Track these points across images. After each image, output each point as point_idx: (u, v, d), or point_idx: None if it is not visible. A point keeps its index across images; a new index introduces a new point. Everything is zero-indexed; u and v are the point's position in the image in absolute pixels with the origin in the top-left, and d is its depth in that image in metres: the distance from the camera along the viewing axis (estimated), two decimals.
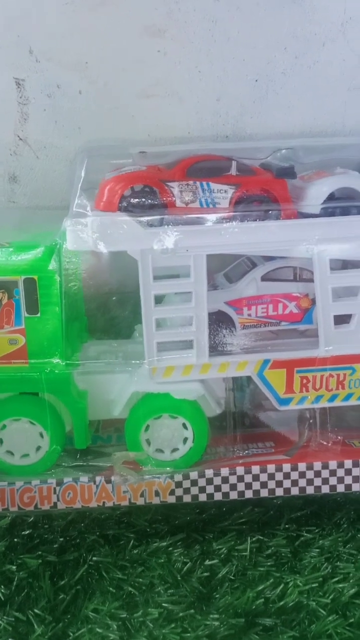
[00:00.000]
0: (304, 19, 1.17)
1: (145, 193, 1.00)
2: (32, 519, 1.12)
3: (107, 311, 1.27)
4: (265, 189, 1.02)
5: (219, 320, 1.06)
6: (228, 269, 1.13)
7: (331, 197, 1.03)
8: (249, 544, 1.08)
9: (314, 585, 1.03)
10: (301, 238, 0.99)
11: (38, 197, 1.28)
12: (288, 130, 1.26)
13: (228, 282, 1.10)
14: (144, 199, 1.00)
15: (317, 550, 1.08)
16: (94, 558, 1.08)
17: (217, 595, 1.02)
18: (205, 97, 1.23)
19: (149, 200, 1.00)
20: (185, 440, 1.06)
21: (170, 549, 1.08)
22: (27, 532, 1.11)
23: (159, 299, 1.07)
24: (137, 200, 1.00)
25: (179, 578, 1.04)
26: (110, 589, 1.04)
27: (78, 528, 1.12)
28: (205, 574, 1.05)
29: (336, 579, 1.04)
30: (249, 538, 1.09)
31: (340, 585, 1.02)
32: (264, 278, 1.07)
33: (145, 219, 0.98)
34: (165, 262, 0.99)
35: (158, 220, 0.99)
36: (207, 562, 1.06)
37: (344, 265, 1.08)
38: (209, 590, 1.03)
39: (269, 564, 1.06)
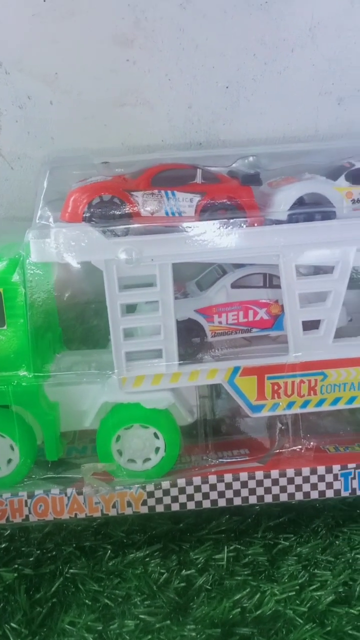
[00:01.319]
0: (272, 25, 1.17)
1: (110, 203, 1.00)
2: (8, 532, 1.12)
3: (83, 321, 1.27)
4: (231, 197, 1.02)
5: (189, 328, 1.06)
6: (200, 277, 1.13)
7: (300, 203, 1.03)
8: (225, 553, 1.08)
9: (291, 593, 1.02)
10: (266, 245, 0.99)
11: (14, 207, 1.28)
12: (261, 136, 1.26)
13: (199, 290, 1.10)
14: (108, 210, 1.00)
15: (295, 558, 1.07)
16: (71, 570, 1.07)
17: (193, 606, 1.02)
18: (176, 104, 1.23)
19: (114, 211, 1.00)
20: (157, 449, 1.06)
21: (147, 559, 1.08)
22: (3, 545, 1.10)
23: (132, 308, 1.07)
24: (101, 210, 1.00)
25: (156, 589, 1.04)
26: (87, 601, 1.03)
27: (55, 540, 1.11)
28: (182, 584, 1.04)
29: (313, 586, 1.03)
30: (226, 547, 1.08)
31: (318, 593, 1.02)
32: (234, 285, 1.07)
33: (109, 229, 0.98)
34: (130, 271, 0.98)
35: (123, 230, 0.99)
36: (184, 572, 1.06)
37: (316, 270, 1.08)
38: (185, 600, 1.03)
39: (246, 572, 1.05)
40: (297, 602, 1.01)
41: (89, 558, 1.08)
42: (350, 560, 1.06)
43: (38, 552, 1.10)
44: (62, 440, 1.07)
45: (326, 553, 1.07)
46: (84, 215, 0.99)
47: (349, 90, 1.23)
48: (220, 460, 1.07)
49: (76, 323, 1.27)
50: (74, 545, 1.10)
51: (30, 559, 1.08)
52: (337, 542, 1.09)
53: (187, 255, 0.99)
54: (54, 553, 1.09)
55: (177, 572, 1.06)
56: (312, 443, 1.07)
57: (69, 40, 1.17)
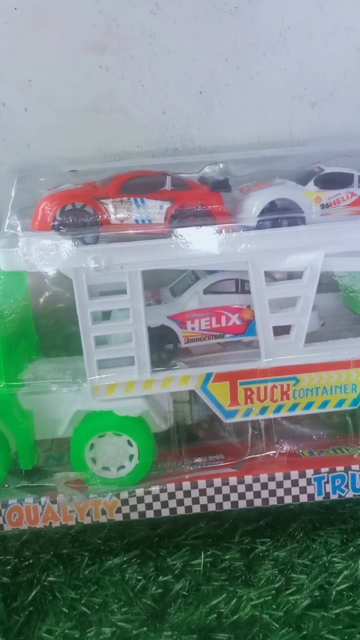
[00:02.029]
0: (243, 30, 1.17)
1: (79, 211, 1.00)
2: None
3: (62, 327, 1.27)
4: (200, 203, 1.02)
5: (162, 335, 1.06)
6: (173, 283, 1.13)
7: (270, 209, 1.04)
8: (202, 558, 1.08)
9: (267, 598, 1.02)
10: (235, 251, 0.99)
11: None
12: (236, 141, 1.26)
13: (172, 297, 1.10)
14: (77, 218, 1.00)
15: (271, 562, 1.07)
16: (48, 578, 1.07)
17: (170, 612, 1.02)
18: (151, 110, 1.23)
19: (83, 219, 1.00)
20: (131, 457, 1.06)
21: (124, 566, 1.08)
22: None
23: (106, 314, 1.07)
24: (70, 218, 1.00)
25: (132, 596, 1.04)
26: (64, 609, 1.03)
27: (32, 548, 1.11)
28: (159, 590, 1.04)
29: (290, 590, 1.03)
30: (203, 552, 1.09)
31: (294, 597, 1.02)
32: (206, 291, 1.07)
33: (78, 237, 0.98)
34: (100, 279, 0.98)
35: (92, 238, 0.99)
36: (161, 579, 1.06)
37: (291, 275, 1.08)
38: (162, 607, 1.03)
39: (222, 578, 1.06)
40: (274, 606, 1.01)
41: (67, 566, 1.09)
42: (327, 564, 1.06)
43: (15, 560, 1.10)
44: (36, 449, 1.07)
45: (303, 557, 1.08)
46: (53, 223, 0.99)
47: (322, 93, 1.23)
48: (194, 466, 1.07)
49: (55, 329, 1.27)
50: (52, 552, 1.10)
51: (7, 567, 1.08)
52: (313, 545, 1.09)
53: (156, 263, 1.00)
54: (31, 561, 1.09)
55: (154, 578, 1.06)
56: (285, 448, 1.07)
57: (41, 47, 1.17)
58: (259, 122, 1.25)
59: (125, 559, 1.09)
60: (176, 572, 1.07)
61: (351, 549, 1.08)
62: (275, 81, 1.22)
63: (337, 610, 1.00)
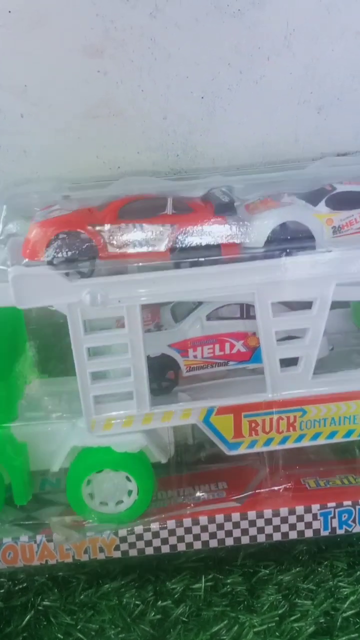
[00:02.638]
0: (246, 33, 1.13)
1: (73, 240, 0.93)
2: None
3: (54, 344, 1.23)
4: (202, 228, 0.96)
5: (163, 364, 1.01)
6: (174, 304, 1.08)
7: (280, 229, 0.97)
8: (203, 582, 1.04)
9: (270, 624, 0.99)
10: (240, 284, 0.94)
11: None
12: (240, 147, 1.23)
13: (173, 320, 1.05)
14: (71, 246, 0.93)
15: (275, 586, 1.04)
16: (43, 602, 1.04)
17: (170, 639, 0.99)
18: (151, 116, 1.20)
19: (78, 247, 0.93)
20: (130, 492, 1.02)
21: (122, 590, 1.05)
22: None
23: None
24: (64, 247, 0.93)
25: (130, 621, 1.01)
26: (59, 635, 1.00)
27: (27, 571, 1.08)
28: (158, 616, 1.01)
29: (294, 617, 1.00)
30: (203, 576, 1.05)
31: (298, 624, 0.99)
32: (210, 317, 1.02)
33: (73, 268, 0.93)
34: (96, 314, 0.93)
35: (88, 269, 0.93)
36: (160, 603, 1.03)
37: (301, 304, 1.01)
38: (161, 633, 0.99)
39: (224, 603, 1.02)
40: (277, 633, 0.98)
41: (62, 589, 1.05)
42: (333, 589, 1.03)
43: (9, 583, 1.06)
44: (31, 482, 1.03)
45: (308, 581, 1.04)
46: (46, 252, 0.93)
47: (328, 98, 1.20)
48: (195, 499, 1.03)
49: (52, 340, 1.24)
50: (47, 575, 1.07)
51: (1, 591, 1.05)
52: (319, 569, 1.06)
53: (156, 297, 0.94)
54: (25, 584, 1.06)
55: (152, 603, 1.03)
56: (290, 482, 1.03)
57: (37, 51, 1.14)
58: (263, 128, 1.22)
59: (123, 582, 1.05)
60: (176, 596, 1.04)
61: (358, 573, 1.04)
62: (280, 85, 1.18)
63: (343, 638, 0.97)
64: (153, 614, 1.01)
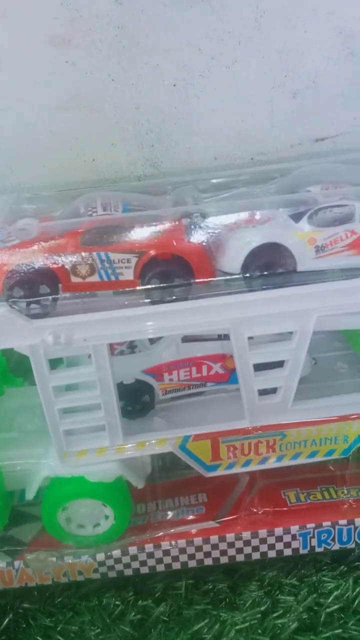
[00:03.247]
0: (215, 17, 1.11)
1: (33, 272, 0.87)
2: None
3: None
4: (175, 255, 0.89)
5: (138, 389, 0.99)
6: None
7: (255, 254, 0.91)
8: (184, 580, 1.03)
9: (253, 622, 0.97)
10: (215, 320, 0.88)
11: None
12: (216, 135, 1.21)
13: (149, 342, 1.01)
14: (31, 278, 0.87)
15: (257, 583, 1.02)
16: (22, 605, 1.03)
17: (150, 639, 0.97)
18: (123, 106, 1.18)
19: (38, 279, 0.87)
20: (106, 517, 0.99)
21: (102, 590, 1.03)
22: None
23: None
24: (23, 286, 0.87)
25: (110, 622, 0.99)
26: (38, 637, 0.99)
27: None
28: (138, 616, 1.00)
29: (277, 613, 0.98)
30: (184, 574, 1.03)
31: (281, 621, 0.97)
32: (185, 339, 0.98)
33: (34, 303, 0.87)
34: (60, 353, 0.89)
35: (51, 305, 0.88)
36: (140, 603, 1.01)
37: None
38: (141, 633, 0.98)
39: (205, 601, 1.01)
40: (259, 631, 0.96)
41: (41, 591, 1.04)
42: (316, 584, 1.01)
43: None
44: (9, 505, 1.01)
45: (291, 576, 1.03)
46: (4, 287, 0.87)
47: (304, 82, 1.17)
48: (174, 515, 1.02)
49: None
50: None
51: None
52: (302, 563, 1.04)
53: (123, 335, 0.90)
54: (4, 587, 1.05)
55: (133, 602, 1.01)
56: (270, 506, 1.01)
57: (1, 44, 1.11)
58: (238, 114, 1.19)
59: (102, 582, 1.04)
60: (156, 595, 1.02)
61: (342, 567, 1.02)
62: (253, 70, 1.16)
63: (328, 634, 0.96)
64: (133, 613, 1.00)
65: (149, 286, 0.89)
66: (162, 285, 0.89)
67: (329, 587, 1.00)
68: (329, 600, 0.99)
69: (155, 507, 1.03)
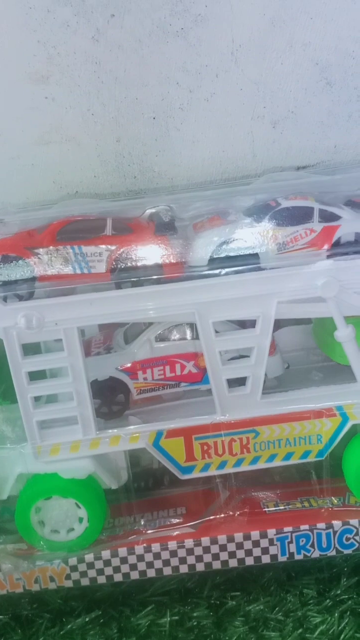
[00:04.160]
0: (192, 51, 1.12)
1: (9, 263, 0.94)
2: None
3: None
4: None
5: (112, 388, 1.00)
6: (128, 327, 1.07)
7: (220, 249, 0.97)
8: (169, 617, 1.03)
9: None
10: (180, 303, 0.93)
11: None
12: (198, 166, 1.22)
13: (124, 343, 1.04)
14: (8, 270, 0.94)
15: (242, 618, 1.02)
16: None
17: None
18: (104, 139, 1.19)
19: (15, 271, 0.94)
20: (80, 519, 1.00)
21: (87, 627, 1.03)
22: None
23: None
24: (0, 271, 0.94)
25: None
26: None
27: None
28: None
29: None
30: (169, 610, 1.03)
31: None
32: (159, 338, 1.01)
33: (11, 292, 0.93)
34: (33, 337, 0.93)
35: (27, 292, 0.93)
36: None
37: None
38: None
39: (190, 638, 1.01)
40: None
41: (26, 629, 1.04)
42: (301, 619, 1.01)
43: None
44: None
45: (276, 611, 1.02)
46: None
47: (282, 112, 1.18)
48: (150, 525, 1.02)
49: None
50: (10, 615, 1.06)
51: None
52: (288, 597, 1.04)
53: (93, 318, 0.94)
54: None
55: None
56: (247, 506, 1.01)
57: None
58: (219, 145, 1.21)
59: (87, 619, 1.04)
60: (141, 632, 1.02)
61: (327, 601, 1.02)
62: (232, 102, 1.17)
63: None
64: None
65: (120, 280, 0.95)
66: (132, 279, 0.95)
67: (315, 622, 1.00)
68: (315, 635, 0.99)
69: (132, 520, 1.04)
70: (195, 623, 1.02)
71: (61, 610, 1.06)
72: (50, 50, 1.11)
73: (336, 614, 1.00)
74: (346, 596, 1.02)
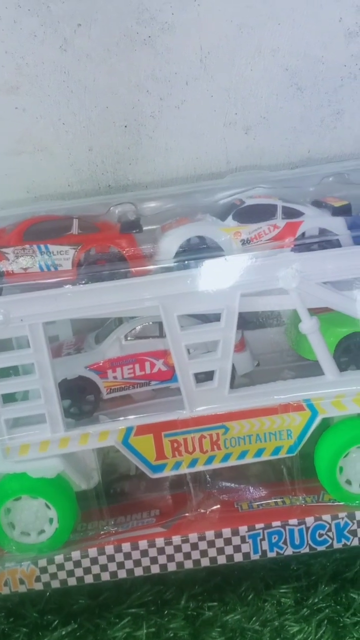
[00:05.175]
0: (160, 59, 1.14)
1: None
2: None
3: None
4: (109, 246, 0.99)
5: (81, 387, 1.01)
6: (100, 329, 1.09)
7: (190, 246, 1.00)
8: (145, 629, 1.02)
9: None
10: (143, 297, 0.94)
11: None
12: (172, 173, 1.23)
13: (95, 344, 1.05)
14: None
15: (219, 629, 1.01)
16: None
17: None
18: (76, 148, 1.20)
19: None
20: (50, 520, 1.00)
21: None
22: None
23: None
24: None
25: None
26: None
27: None
28: None
29: None
30: (145, 622, 1.02)
31: None
32: (128, 336, 1.03)
33: None
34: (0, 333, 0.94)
35: None
36: None
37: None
38: None
39: None
40: None
41: None
42: (279, 628, 1.00)
43: None
44: None
45: (253, 621, 1.01)
46: None
47: (254, 118, 1.19)
48: (121, 527, 1.01)
49: None
50: None
51: None
52: (265, 606, 1.03)
53: (58, 313, 0.95)
54: None
55: None
56: (217, 504, 1.01)
57: None
58: (192, 152, 1.22)
59: (63, 633, 1.03)
60: None
61: (305, 609, 1.01)
62: (203, 109, 1.18)
63: None
64: None
65: (86, 277, 0.97)
66: (98, 275, 0.97)
67: (292, 631, 0.99)
68: None
69: (104, 524, 1.04)
70: (172, 635, 1.01)
71: (37, 624, 1.05)
72: (19, 60, 1.12)
73: (313, 623, 0.99)
74: (324, 604, 1.01)
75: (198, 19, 1.11)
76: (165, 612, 1.04)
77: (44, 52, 1.12)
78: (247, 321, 1.08)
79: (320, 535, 0.98)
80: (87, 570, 0.99)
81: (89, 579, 0.99)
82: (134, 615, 1.04)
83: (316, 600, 1.02)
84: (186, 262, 0.95)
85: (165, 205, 1.10)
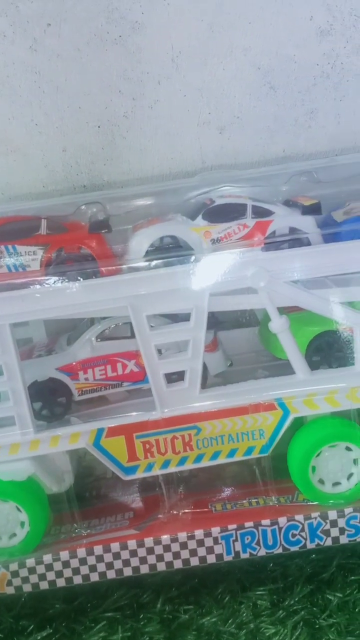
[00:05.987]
0: (132, 59, 1.13)
1: None
2: None
3: None
4: (79, 246, 0.99)
5: (52, 389, 1.01)
6: (72, 332, 1.08)
7: (157, 247, 1.00)
8: (120, 633, 1.01)
9: None
10: (112, 297, 0.94)
11: None
12: (147, 173, 1.22)
13: (67, 345, 1.05)
14: None
15: (195, 633, 1.00)
16: None
17: None
18: (49, 149, 1.20)
19: None
20: (22, 523, 1.00)
21: None
22: None
23: None
24: None
25: None
26: None
27: None
28: None
29: None
30: (120, 627, 1.02)
31: None
32: (100, 337, 1.02)
33: None
34: None
35: None
36: None
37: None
38: None
39: None
40: None
41: None
42: (254, 631, 0.99)
43: None
44: None
45: (229, 624, 1.01)
46: None
47: (228, 117, 1.19)
48: (94, 529, 1.01)
49: None
50: None
51: None
52: (241, 609, 1.02)
53: (24, 314, 0.95)
54: None
55: None
56: (191, 505, 1.01)
57: None
58: (167, 152, 1.21)
59: (38, 638, 1.02)
60: None
61: (280, 612, 1.01)
62: (177, 109, 1.18)
63: None
64: None
65: (54, 277, 0.97)
66: (66, 275, 0.97)
67: (268, 634, 0.99)
68: None
69: (77, 527, 1.03)
70: (147, 639, 1.01)
71: (12, 629, 1.04)
72: None
73: (289, 625, 0.98)
74: (300, 606, 1.01)
75: (168, 18, 1.11)
76: (141, 615, 1.04)
77: (14, 53, 1.12)
78: (221, 321, 1.08)
79: (294, 535, 0.97)
80: (59, 574, 0.98)
81: (61, 583, 0.99)
82: (110, 619, 1.04)
83: (292, 602, 1.02)
84: (155, 261, 0.95)
85: (134, 203, 1.10)
